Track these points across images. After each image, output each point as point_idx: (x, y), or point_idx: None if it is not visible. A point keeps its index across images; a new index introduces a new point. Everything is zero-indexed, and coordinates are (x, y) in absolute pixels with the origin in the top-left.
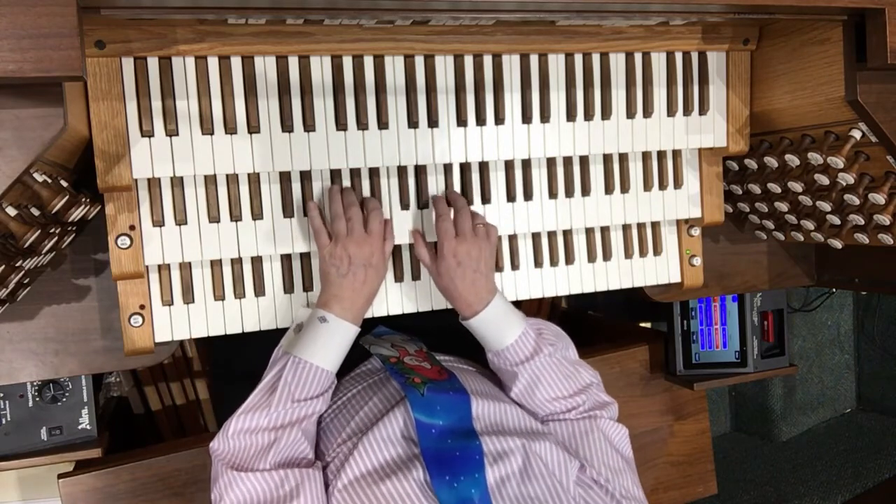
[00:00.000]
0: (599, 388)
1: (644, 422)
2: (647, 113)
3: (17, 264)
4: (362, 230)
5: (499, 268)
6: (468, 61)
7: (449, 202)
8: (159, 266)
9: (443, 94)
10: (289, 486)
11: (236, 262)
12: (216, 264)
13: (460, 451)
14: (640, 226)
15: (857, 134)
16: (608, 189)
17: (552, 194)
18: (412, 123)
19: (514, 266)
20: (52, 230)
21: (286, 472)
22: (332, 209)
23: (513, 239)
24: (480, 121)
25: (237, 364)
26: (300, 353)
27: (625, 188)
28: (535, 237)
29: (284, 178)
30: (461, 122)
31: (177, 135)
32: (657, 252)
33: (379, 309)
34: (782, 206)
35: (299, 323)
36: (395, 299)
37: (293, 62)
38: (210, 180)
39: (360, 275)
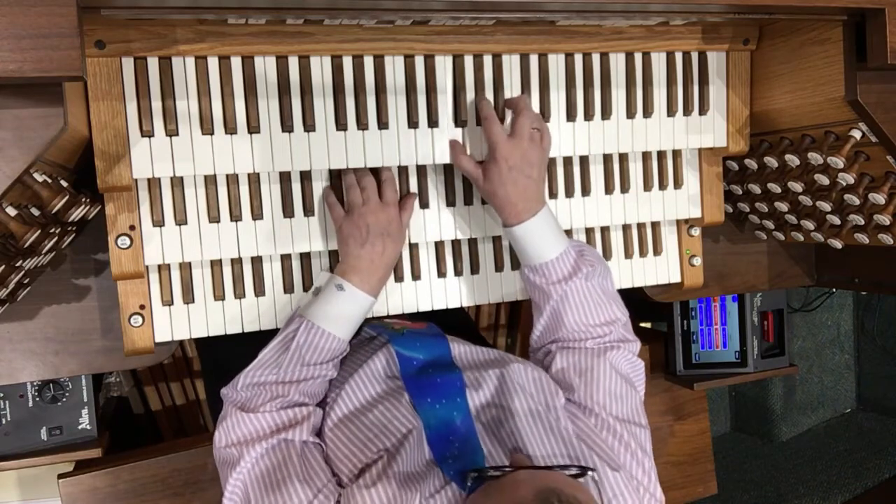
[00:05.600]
0: (627, 326)
1: None
2: (647, 113)
3: (17, 264)
4: (378, 198)
5: (499, 267)
6: (468, 61)
7: (507, 106)
8: (159, 266)
9: (443, 94)
10: (294, 419)
11: (236, 263)
12: (216, 264)
13: (441, 378)
14: (640, 226)
15: (857, 134)
16: (608, 189)
17: (552, 194)
18: (412, 123)
19: (515, 266)
20: (52, 230)
21: (293, 409)
22: (345, 181)
23: None
24: (480, 121)
25: (223, 361)
26: (314, 318)
27: (625, 188)
28: None
29: (284, 178)
30: (461, 122)
31: (177, 135)
32: (657, 252)
33: (379, 309)
34: (782, 206)
35: (318, 286)
36: (395, 300)
37: (293, 62)
38: (210, 180)
39: (378, 245)
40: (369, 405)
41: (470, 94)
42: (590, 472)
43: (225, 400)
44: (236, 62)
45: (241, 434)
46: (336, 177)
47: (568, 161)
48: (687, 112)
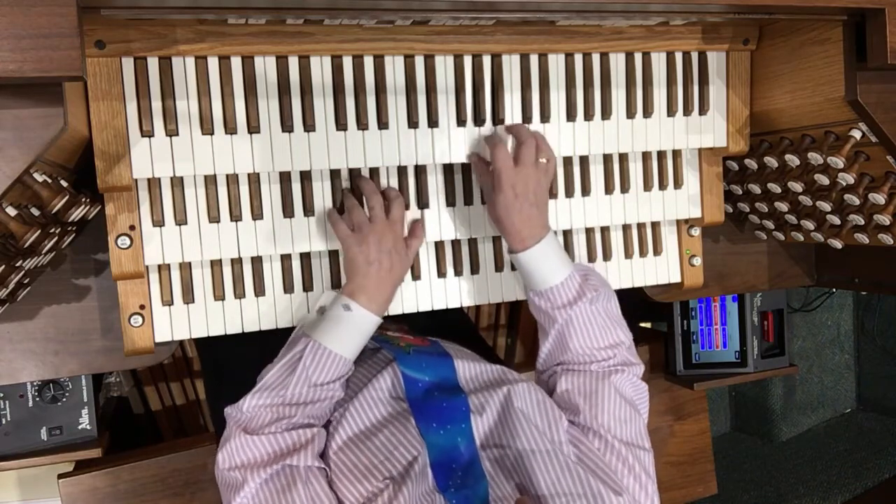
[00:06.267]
0: (631, 350)
1: None
2: (647, 113)
3: (17, 264)
4: (384, 217)
5: (499, 267)
6: (468, 61)
7: (509, 132)
8: (159, 266)
9: (443, 94)
10: (298, 443)
11: (236, 263)
12: (216, 264)
13: (446, 403)
14: (640, 226)
15: (857, 134)
16: (608, 189)
17: (552, 194)
18: (412, 123)
19: (515, 267)
20: (52, 230)
21: (297, 431)
22: (346, 203)
23: None
24: (480, 121)
25: (223, 361)
26: (321, 338)
27: (625, 188)
28: None
29: (284, 178)
30: (461, 122)
31: (177, 135)
32: (657, 252)
33: None
34: (782, 206)
35: (322, 305)
36: (395, 300)
37: (293, 62)
38: (210, 180)
39: (385, 262)
40: (375, 428)
41: (470, 95)
42: None
43: (228, 419)
44: (236, 62)
45: (246, 458)
46: (336, 177)
47: (568, 161)
48: (687, 112)
